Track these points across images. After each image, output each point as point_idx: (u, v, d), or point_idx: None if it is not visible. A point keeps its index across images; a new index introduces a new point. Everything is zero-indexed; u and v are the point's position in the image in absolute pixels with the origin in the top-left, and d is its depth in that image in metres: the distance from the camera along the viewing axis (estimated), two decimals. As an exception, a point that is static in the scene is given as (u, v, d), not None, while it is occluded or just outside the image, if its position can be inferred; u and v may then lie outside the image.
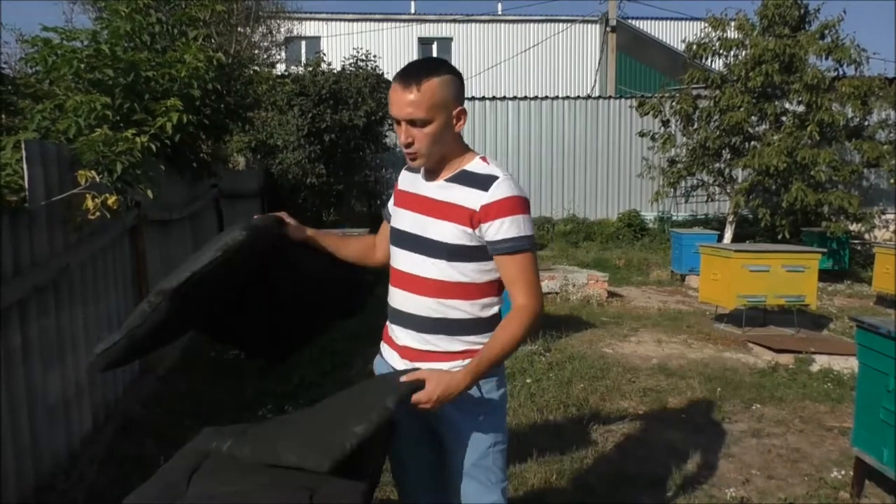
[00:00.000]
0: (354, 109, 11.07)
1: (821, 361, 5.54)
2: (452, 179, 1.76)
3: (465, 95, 1.75)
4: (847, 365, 5.27)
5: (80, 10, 11.93)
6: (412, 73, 1.66)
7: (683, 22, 20.47)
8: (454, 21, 20.04)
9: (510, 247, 1.67)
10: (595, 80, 19.12)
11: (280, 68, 12.93)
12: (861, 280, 10.21)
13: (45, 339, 2.90)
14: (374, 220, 10.95)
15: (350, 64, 11.63)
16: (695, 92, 10.97)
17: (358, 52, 11.83)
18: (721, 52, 10.60)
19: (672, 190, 11.28)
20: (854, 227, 10.75)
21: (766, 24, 10.34)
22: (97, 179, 3.01)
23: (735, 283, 6.50)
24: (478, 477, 1.78)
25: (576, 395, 4.59)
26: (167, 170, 4.81)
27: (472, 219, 1.68)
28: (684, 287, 9.62)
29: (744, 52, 10.40)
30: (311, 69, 11.38)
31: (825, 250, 8.63)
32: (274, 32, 13.64)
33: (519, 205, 1.68)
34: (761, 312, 7.05)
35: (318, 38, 18.82)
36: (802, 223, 10.73)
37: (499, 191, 1.68)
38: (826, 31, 10.12)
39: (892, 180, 10.95)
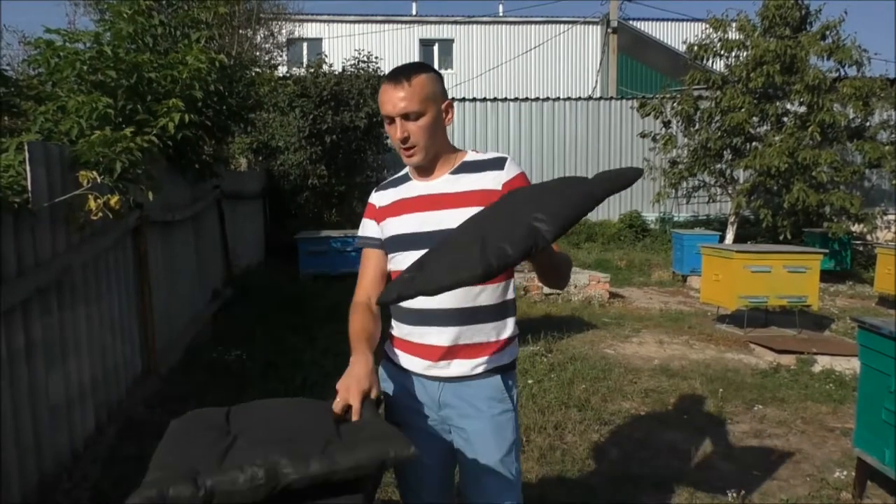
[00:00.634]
0: (356, 111, 11.08)
1: (822, 362, 5.54)
2: (458, 171, 1.81)
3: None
4: (849, 366, 5.27)
5: (82, 13, 11.95)
6: (400, 72, 1.74)
7: (684, 23, 20.48)
8: (455, 22, 20.06)
9: None
10: (596, 82, 19.13)
11: (282, 70, 12.94)
12: (863, 281, 10.20)
13: (48, 339, 2.91)
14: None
15: (351, 65, 11.64)
16: (696, 93, 10.97)
17: (359, 53, 11.84)
18: (722, 52, 10.59)
19: (673, 191, 11.27)
20: (856, 227, 10.74)
21: (767, 24, 10.33)
22: (98, 180, 3.02)
23: (737, 284, 6.50)
24: (502, 473, 1.78)
25: (577, 396, 4.59)
26: (169, 171, 4.83)
27: (496, 198, 1.72)
28: (686, 288, 9.62)
29: (745, 53, 10.40)
30: (312, 71, 11.39)
31: (827, 251, 8.64)
32: (276, 34, 13.66)
33: (528, 180, 1.79)
34: (763, 313, 7.05)
35: (320, 39, 18.85)
36: (804, 224, 10.73)
37: (513, 168, 1.79)
38: (827, 32, 10.11)
39: (893, 181, 10.93)
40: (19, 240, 2.69)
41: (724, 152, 10.71)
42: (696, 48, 10.69)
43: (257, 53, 12.03)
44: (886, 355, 3.05)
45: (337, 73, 11.42)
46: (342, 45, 18.01)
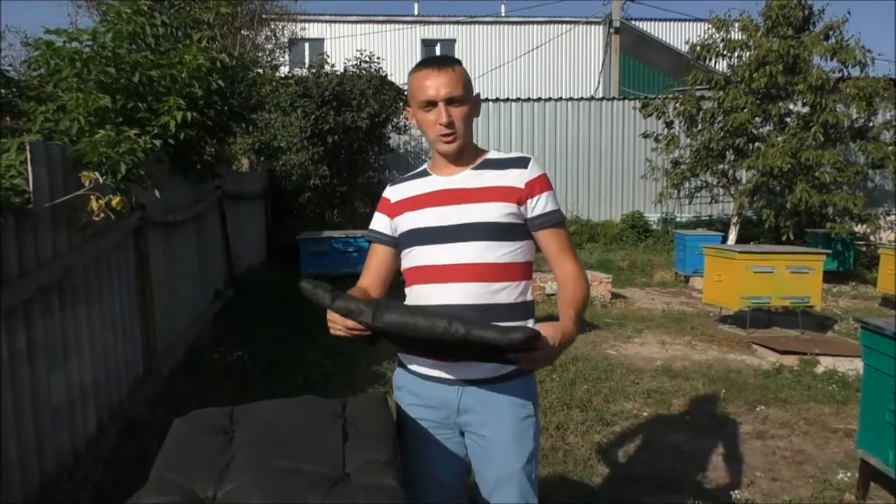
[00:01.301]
0: (358, 111, 11.08)
1: (825, 363, 5.52)
2: (480, 167, 1.81)
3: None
4: (852, 366, 5.26)
5: (84, 13, 11.96)
6: (443, 59, 1.76)
7: (687, 23, 20.44)
8: (457, 23, 20.05)
9: (557, 218, 1.79)
10: (598, 82, 19.10)
11: (283, 70, 12.95)
12: (866, 281, 10.18)
13: (50, 339, 2.90)
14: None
15: (353, 66, 11.64)
16: (698, 93, 10.94)
17: (361, 53, 11.84)
18: (725, 53, 10.57)
19: (676, 191, 11.25)
20: (859, 228, 10.72)
21: (769, 25, 10.31)
22: (100, 181, 3.02)
23: (739, 285, 6.49)
24: (521, 483, 1.72)
25: (579, 397, 4.58)
26: (171, 171, 4.83)
27: (519, 195, 1.75)
28: (688, 288, 9.61)
29: (747, 53, 10.38)
30: (314, 71, 11.39)
31: (830, 251, 8.62)
32: (278, 35, 13.66)
33: (550, 182, 1.82)
34: (765, 314, 7.03)
35: (322, 39, 18.85)
36: (807, 224, 10.71)
37: (537, 168, 1.79)
38: (830, 32, 10.08)
39: (896, 181, 10.92)
40: (21, 240, 2.69)
41: (727, 153, 10.69)
42: (698, 48, 10.67)
43: (259, 54, 12.03)
44: (889, 356, 3.03)
45: (339, 73, 11.43)
46: (344, 45, 18.02)
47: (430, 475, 1.77)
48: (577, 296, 1.74)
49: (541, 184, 1.77)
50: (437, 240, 1.75)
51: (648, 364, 5.60)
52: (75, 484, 2.93)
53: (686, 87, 11.02)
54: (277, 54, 13.50)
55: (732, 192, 11.00)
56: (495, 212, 1.73)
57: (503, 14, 21.31)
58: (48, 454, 2.85)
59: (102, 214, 2.97)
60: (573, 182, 13.80)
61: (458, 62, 1.77)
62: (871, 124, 10.54)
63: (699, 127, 10.85)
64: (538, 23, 20.09)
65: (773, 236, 10.81)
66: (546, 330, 1.52)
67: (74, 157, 3.20)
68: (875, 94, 9.83)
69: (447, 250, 1.73)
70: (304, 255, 9.26)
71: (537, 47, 19.70)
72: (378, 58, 11.93)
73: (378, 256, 1.90)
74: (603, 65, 18.93)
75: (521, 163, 1.79)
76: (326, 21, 19.36)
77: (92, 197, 2.93)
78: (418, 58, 19.73)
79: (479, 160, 1.83)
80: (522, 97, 14.27)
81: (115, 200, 3.01)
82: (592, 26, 19.97)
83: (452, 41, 19.88)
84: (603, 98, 14.65)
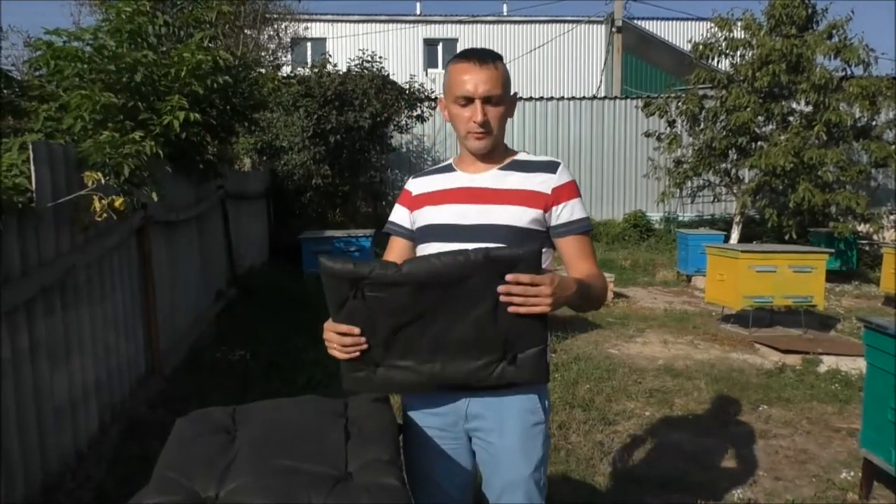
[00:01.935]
0: (360, 111, 11.08)
1: (828, 362, 5.51)
2: (508, 168, 1.76)
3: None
4: (855, 366, 5.24)
5: (87, 12, 11.97)
6: (487, 53, 1.69)
7: (689, 22, 20.43)
8: (460, 22, 20.05)
9: (583, 226, 1.75)
10: (601, 81, 19.08)
11: (286, 70, 12.94)
12: (869, 281, 10.15)
13: (52, 339, 2.91)
14: (379, 220, 10.95)
15: (355, 65, 11.65)
16: (701, 92, 10.93)
17: (363, 53, 11.84)
18: (727, 52, 10.56)
19: (678, 190, 11.24)
20: (862, 227, 10.70)
21: (773, 23, 10.29)
22: (103, 181, 3.02)
23: (742, 284, 6.48)
24: (529, 491, 1.69)
25: (581, 396, 4.58)
26: (173, 171, 4.83)
27: (545, 201, 1.71)
28: (690, 288, 9.59)
29: (750, 52, 10.36)
30: (316, 70, 11.39)
31: (832, 251, 8.59)
32: (280, 34, 13.67)
33: (578, 189, 1.78)
34: (768, 313, 7.02)
35: (324, 39, 18.86)
36: (809, 223, 10.68)
37: (566, 174, 1.76)
38: (834, 31, 10.06)
39: (900, 180, 10.90)
40: (23, 239, 2.69)
41: (730, 152, 10.67)
42: (701, 47, 10.66)
43: (262, 54, 12.03)
44: (893, 355, 3.03)
45: (341, 72, 11.43)
46: (346, 44, 18.01)
47: (435, 484, 1.74)
48: (589, 282, 1.67)
49: (569, 191, 1.73)
50: (453, 238, 1.69)
51: (651, 363, 5.59)
52: (77, 484, 2.94)
53: (688, 86, 11.01)
54: (280, 54, 13.50)
55: (735, 191, 10.98)
56: (518, 215, 1.68)
57: (505, 13, 21.30)
58: (50, 454, 2.85)
59: (105, 215, 2.98)
60: (576, 181, 13.78)
61: (500, 58, 1.71)
62: (874, 123, 10.52)
63: (702, 126, 10.84)
64: (540, 22, 20.09)
65: (776, 235, 10.79)
66: (545, 278, 1.49)
67: (78, 157, 3.20)
68: (878, 93, 9.82)
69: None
70: (306, 255, 9.24)
71: (539, 46, 19.69)
72: (380, 57, 11.93)
73: (397, 249, 1.85)
74: (605, 64, 18.91)
75: (550, 167, 1.75)
76: (329, 20, 19.37)
77: (95, 197, 2.93)
78: (420, 57, 19.87)
79: (508, 160, 1.77)
80: (525, 96, 14.26)
81: (119, 201, 3.02)
82: (595, 25, 19.95)
83: (455, 40, 19.87)
84: (605, 97, 14.64)
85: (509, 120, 1.79)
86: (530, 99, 13.95)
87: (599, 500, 3.23)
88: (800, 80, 9.92)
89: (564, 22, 19.99)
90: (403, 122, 12.04)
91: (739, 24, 10.51)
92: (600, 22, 19.69)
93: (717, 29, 10.57)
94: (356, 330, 1.51)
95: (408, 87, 11.90)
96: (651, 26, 20.06)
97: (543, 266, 1.72)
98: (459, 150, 1.82)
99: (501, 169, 1.76)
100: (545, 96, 14.41)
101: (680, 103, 10.89)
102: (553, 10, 23.64)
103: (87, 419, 3.26)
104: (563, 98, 14.19)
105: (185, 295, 5.32)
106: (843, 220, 10.05)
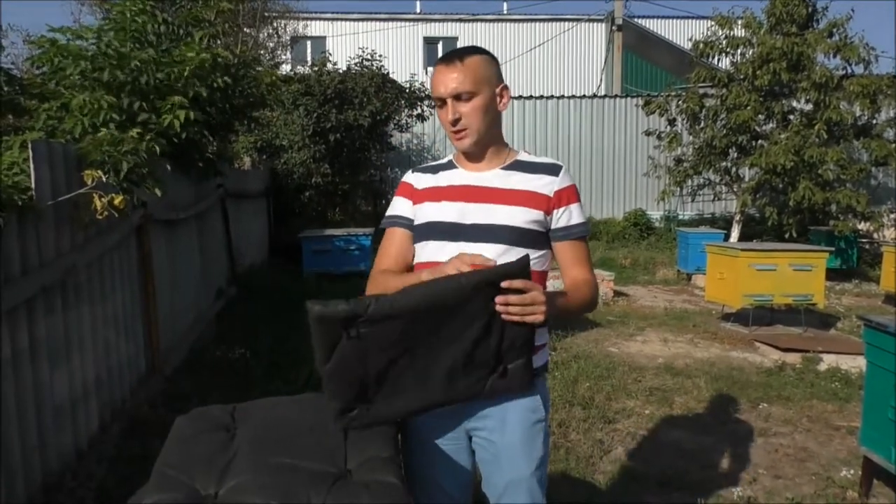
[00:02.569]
0: (360, 109, 11.08)
1: (828, 360, 5.51)
2: (510, 168, 1.75)
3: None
4: (855, 364, 5.25)
5: (87, 11, 11.96)
6: (454, 53, 1.69)
7: (690, 20, 20.41)
8: (460, 20, 20.03)
9: (581, 231, 1.75)
10: (601, 79, 19.07)
11: (285, 69, 12.94)
12: (869, 279, 10.15)
13: (53, 338, 2.91)
14: (379, 219, 10.89)
15: (355, 63, 11.65)
16: (701, 90, 10.93)
17: (363, 51, 11.84)
18: (728, 50, 10.55)
19: (678, 189, 11.24)
20: (862, 225, 10.70)
21: (773, 22, 10.28)
22: (103, 179, 3.02)
23: (742, 283, 6.48)
24: (530, 490, 1.69)
25: (581, 395, 4.58)
26: (173, 169, 4.83)
27: (548, 204, 1.70)
28: (690, 286, 9.59)
29: (751, 51, 10.36)
30: (316, 69, 11.39)
31: (833, 249, 8.60)
32: (280, 33, 13.66)
33: (578, 193, 1.78)
34: (768, 311, 7.02)
35: (324, 37, 18.84)
36: (810, 222, 10.69)
37: (567, 177, 1.76)
38: (834, 30, 10.06)
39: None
40: (23, 238, 2.69)
41: (730, 150, 10.67)
42: (701, 46, 10.66)
43: (262, 52, 12.03)
44: (892, 353, 3.03)
45: (341, 71, 11.43)
46: (346, 43, 17.99)
47: (435, 485, 1.73)
48: (581, 299, 1.69)
49: (569, 194, 1.73)
50: (454, 237, 1.67)
51: (650, 362, 5.60)
52: (78, 483, 2.94)
53: (689, 84, 11.01)
54: (280, 52, 13.50)
55: (735, 189, 10.98)
56: (521, 216, 1.67)
57: (505, 12, 21.29)
58: (51, 453, 2.85)
59: (105, 213, 2.98)
60: (575, 179, 13.58)
61: (475, 53, 1.69)
62: (874, 122, 10.52)
63: (702, 124, 10.84)
64: (541, 20, 20.07)
65: (776, 234, 10.79)
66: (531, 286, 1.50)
67: (77, 155, 3.20)
68: (879, 91, 9.82)
69: (464, 249, 1.62)
70: (305, 254, 9.25)
71: (540, 45, 19.67)
72: (380, 56, 11.93)
73: (398, 242, 1.79)
74: (605, 62, 18.90)
75: (553, 170, 1.74)
76: (329, 19, 19.36)
77: (95, 195, 2.93)
78: (420, 56, 19.85)
79: (511, 160, 1.76)
80: (525, 95, 14.26)
81: (119, 199, 3.02)
82: (595, 24, 19.94)
83: (455, 39, 19.86)
84: (605, 96, 14.64)
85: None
86: (530, 97, 13.94)
87: (599, 498, 3.23)
88: (800, 78, 9.92)
89: (565, 20, 19.98)
90: (403, 121, 12.04)
91: (740, 22, 10.51)
92: (601, 20, 19.68)
93: (717, 27, 10.57)
94: None
95: (408, 85, 11.91)
96: (651, 25, 20.05)
97: (542, 268, 1.74)
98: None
99: (504, 168, 1.75)
100: (545, 95, 14.40)
101: (680, 102, 10.89)
102: (553, 8, 23.67)
103: (88, 418, 3.26)
104: (563, 97, 14.18)
105: (186, 294, 5.32)
106: (843, 218, 10.05)
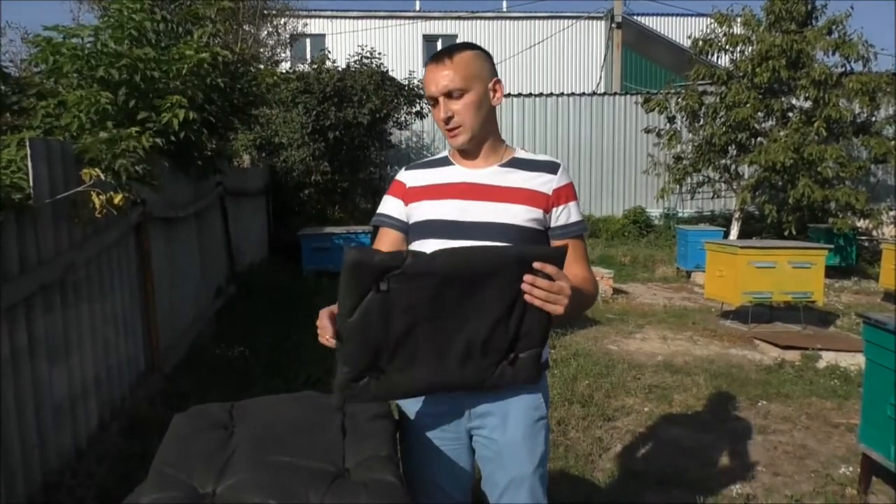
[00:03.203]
0: (359, 107, 11.07)
1: (827, 358, 5.51)
2: (509, 165, 1.74)
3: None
4: (854, 361, 5.25)
5: (86, 10, 11.93)
6: (443, 51, 1.69)
7: (689, 18, 20.37)
8: (459, 18, 20.01)
9: (579, 230, 1.76)
10: (600, 77, 19.05)
11: (285, 66, 12.93)
12: (868, 276, 10.16)
13: (52, 337, 2.91)
14: (379, 217, 10.92)
15: (355, 61, 11.63)
16: (700, 88, 10.92)
17: (363, 49, 11.83)
18: (727, 48, 10.55)
19: (678, 186, 11.24)
20: (861, 223, 10.70)
21: (772, 19, 10.27)
22: (101, 177, 3.01)
23: (741, 280, 6.48)
24: (531, 488, 1.68)
25: (580, 392, 4.58)
26: (172, 167, 4.82)
27: (547, 202, 1.70)
28: (690, 284, 9.60)
29: (750, 48, 10.36)
30: (315, 67, 11.38)
31: (832, 246, 8.60)
32: (279, 31, 13.65)
33: (576, 191, 1.78)
34: (767, 309, 7.02)
35: (323, 35, 18.82)
36: (809, 220, 10.69)
37: (565, 176, 1.75)
38: (833, 27, 10.06)
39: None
40: (22, 236, 2.69)
41: (729, 148, 10.67)
42: (700, 43, 10.66)
43: (261, 50, 12.01)
44: (891, 351, 3.03)
45: (340, 69, 11.42)
46: (345, 41, 17.97)
47: (435, 485, 1.72)
48: (586, 292, 1.66)
49: (567, 193, 1.73)
50: (454, 235, 1.66)
51: (650, 359, 5.60)
52: (78, 482, 2.94)
53: (688, 82, 11.01)
54: (279, 50, 13.48)
55: (734, 187, 10.98)
56: (522, 215, 1.67)
57: (505, 9, 21.25)
58: (51, 452, 2.85)
59: (104, 211, 2.97)
60: (574, 177, 13.25)
61: (465, 49, 1.69)
62: (873, 119, 10.52)
63: (701, 122, 10.83)
64: (540, 18, 20.05)
65: (776, 231, 10.79)
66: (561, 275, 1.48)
67: (75, 153, 3.19)
68: (878, 89, 9.82)
69: None
70: (305, 252, 9.25)
71: (539, 43, 19.65)
72: (379, 54, 11.92)
73: (388, 242, 1.78)
74: (605, 60, 18.89)
75: (552, 168, 1.74)
76: (328, 17, 19.33)
77: (93, 193, 2.93)
78: (420, 54, 19.82)
79: (508, 158, 1.75)
80: (524, 92, 14.24)
81: (118, 197, 3.01)
82: (594, 21, 19.92)
83: (454, 37, 19.83)
84: (605, 93, 14.62)
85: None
86: (530, 95, 13.92)
87: (598, 496, 3.24)
88: (799, 76, 9.91)
89: (564, 18, 19.95)
90: (403, 119, 12.03)
91: (739, 19, 10.50)
92: (600, 18, 19.66)
93: (716, 25, 10.56)
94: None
95: (407, 83, 11.89)
96: (651, 22, 20.03)
97: None
98: None
99: (502, 166, 1.74)
100: (545, 92, 14.38)
101: (680, 99, 10.88)
102: (553, 6, 23.64)
103: (87, 417, 3.26)
104: (562, 94, 14.16)
105: (185, 292, 5.32)
106: (842, 216, 10.05)
